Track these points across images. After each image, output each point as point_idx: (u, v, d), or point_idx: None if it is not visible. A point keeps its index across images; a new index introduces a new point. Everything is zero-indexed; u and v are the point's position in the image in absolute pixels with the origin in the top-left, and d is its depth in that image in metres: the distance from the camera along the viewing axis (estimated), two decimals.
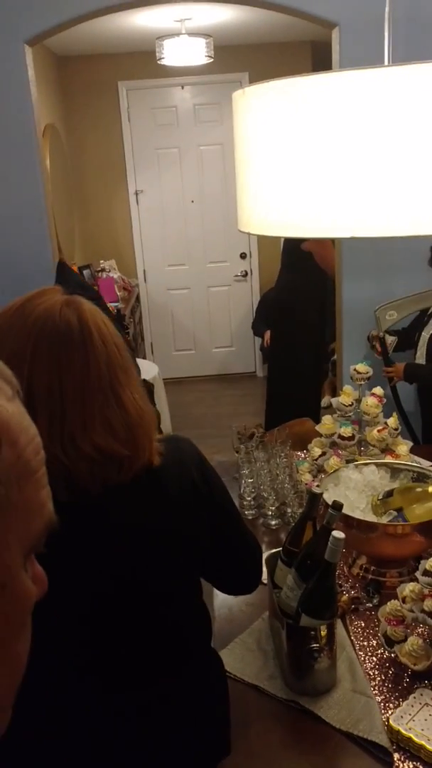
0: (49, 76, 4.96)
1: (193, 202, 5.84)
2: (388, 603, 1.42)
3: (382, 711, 1.27)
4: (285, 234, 1.22)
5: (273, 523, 1.97)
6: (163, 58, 4.29)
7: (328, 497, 1.64)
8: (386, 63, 1.24)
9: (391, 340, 2.84)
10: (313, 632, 1.30)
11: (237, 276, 6.03)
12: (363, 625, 1.53)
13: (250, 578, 1.35)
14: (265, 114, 1.15)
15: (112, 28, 4.40)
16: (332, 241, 3.10)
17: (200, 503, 1.16)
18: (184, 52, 4.30)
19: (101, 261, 5.45)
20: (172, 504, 1.12)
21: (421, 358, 2.78)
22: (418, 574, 1.38)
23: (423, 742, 1.14)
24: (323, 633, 1.30)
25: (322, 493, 1.47)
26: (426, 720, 1.17)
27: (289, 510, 1.96)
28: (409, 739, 1.16)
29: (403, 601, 1.40)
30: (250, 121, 1.21)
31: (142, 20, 4.21)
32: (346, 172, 1.08)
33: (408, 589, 1.39)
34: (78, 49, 5.03)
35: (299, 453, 2.27)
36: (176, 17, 4.15)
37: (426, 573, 1.36)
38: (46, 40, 3.15)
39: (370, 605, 1.58)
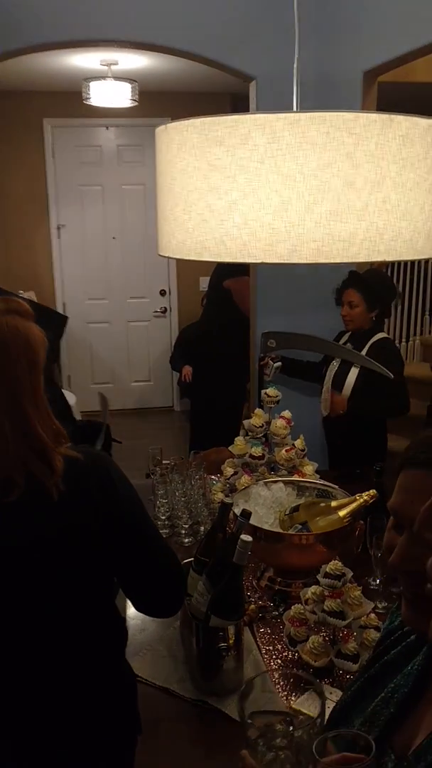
0: None
1: (114, 238, 5.95)
2: (293, 607, 1.52)
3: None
4: (200, 258, 1.32)
5: (186, 541, 2.04)
6: (89, 98, 4.43)
7: (239, 512, 1.73)
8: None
9: (271, 363, 2.83)
10: (221, 633, 1.37)
11: (156, 312, 6.14)
12: (269, 631, 1.61)
13: (171, 595, 1.32)
14: (184, 147, 1.27)
15: (39, 67, 4.50)
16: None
17: (99, 510, 1.18)
18: (110, 94, 4.45)
19: (20, 291, 5.41)
20: (61, 508, 1.14)
21: (327, 392, 2.91)
22: (319, 576, 1.49)
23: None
24: (231, 632, 1.37)
25: (232, 504, 1.56)
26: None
27: (202, 528, 2.04)
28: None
29: (306, 603, 1.49)
30: (170, 154, 1.32)
31: (69, 61, 4.34)
32: (255, 202, 1.20)
33: (310, 591, 1.49)
34: (4, 84, 5.10)
35: (213, 477, 2.35)
36: (103, 60, 4.30)
37: (326, 575, 1.46)
38: None
39: (276, 614, 1.67)
